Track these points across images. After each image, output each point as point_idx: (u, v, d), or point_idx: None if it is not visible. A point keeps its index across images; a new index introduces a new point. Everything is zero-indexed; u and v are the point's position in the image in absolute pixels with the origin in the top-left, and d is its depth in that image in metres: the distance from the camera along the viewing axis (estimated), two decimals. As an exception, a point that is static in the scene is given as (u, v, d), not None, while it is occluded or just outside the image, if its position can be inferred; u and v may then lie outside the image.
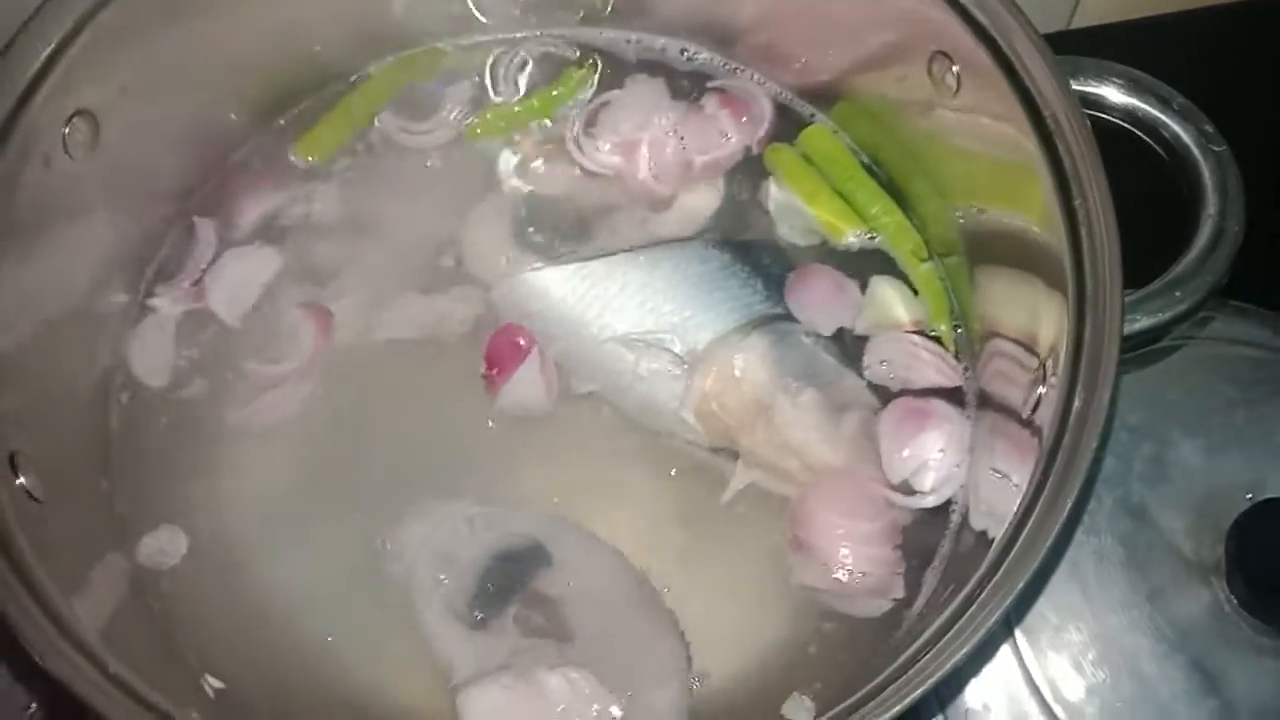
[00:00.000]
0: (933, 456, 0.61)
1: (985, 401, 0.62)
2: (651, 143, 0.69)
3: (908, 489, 0.61)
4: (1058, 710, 0.62)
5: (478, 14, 0.72)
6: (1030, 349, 0.55)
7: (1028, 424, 0.53)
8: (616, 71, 0.72)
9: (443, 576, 0.59)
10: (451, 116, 0.71)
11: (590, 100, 0.71)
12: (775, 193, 0.69)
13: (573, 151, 0.70)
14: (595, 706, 0.56)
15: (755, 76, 0.72)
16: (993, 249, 0.62)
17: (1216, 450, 0.66)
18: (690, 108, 0.70)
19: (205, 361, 0.65)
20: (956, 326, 0.66)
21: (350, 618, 0.59)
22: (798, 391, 0.63)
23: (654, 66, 0.72)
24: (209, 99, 0.67)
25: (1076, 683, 0.62)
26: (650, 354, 0.64)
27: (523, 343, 0.63)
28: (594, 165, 0.70)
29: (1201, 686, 0.61)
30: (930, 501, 0.61)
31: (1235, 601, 0.61)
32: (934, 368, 0.64)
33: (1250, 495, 0.63)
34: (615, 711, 0.56)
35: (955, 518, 0.60)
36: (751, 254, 0.67)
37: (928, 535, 0.60)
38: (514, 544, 0.60)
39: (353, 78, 0.72)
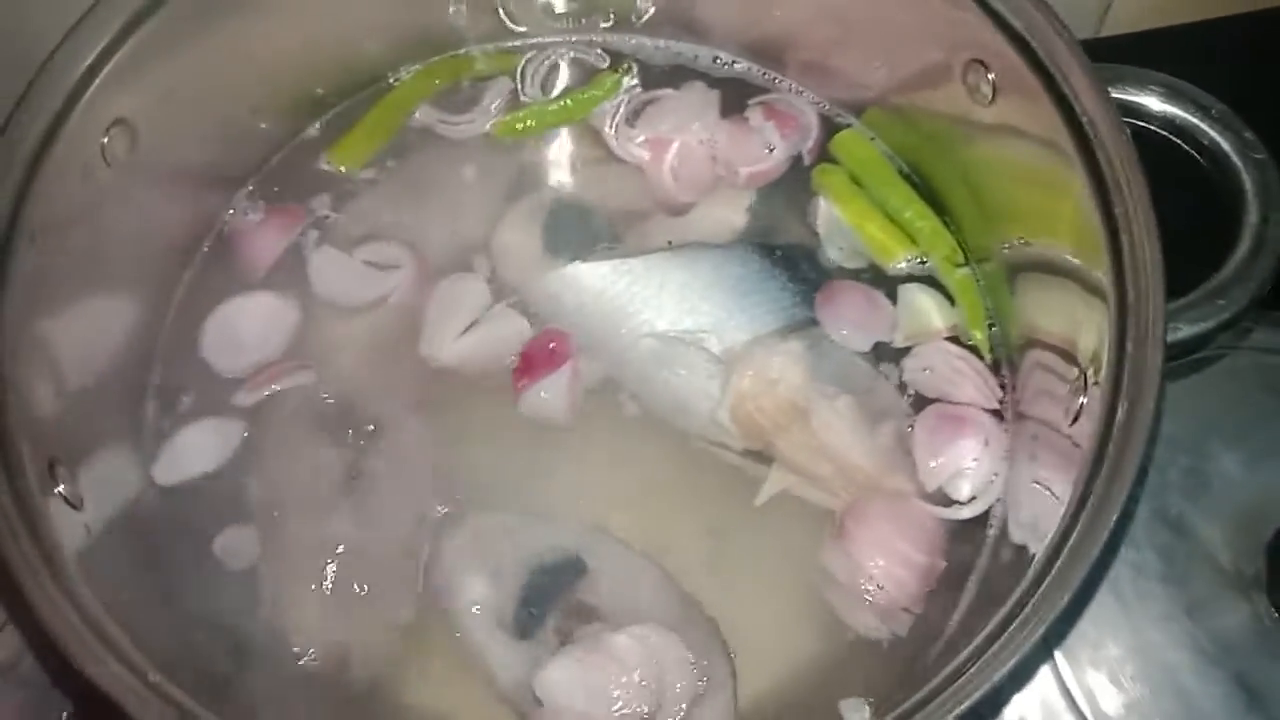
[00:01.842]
0: (967, 465, 0.61)
1: (1024, 415, 0.61)
2: (682, 146, 0.69)
3: (943, 498, 0.61)
4: (1096, 725, 0.61)
5: (509, 22, 0.72)
6: (1070, 358, 0.55)
7: (1069, 435, 0.52)
8: (663, 76, 0.72)
9: (485, 588, 0.59)
10: (492, 107, 0.72)
11: (642, 93, 0.72)
12: (824, 213, 0.69)
13: (607, 135, 0.71)
14: (670, 654, 0.56)
15: (794, 86, 0.72)
16: (1032, 259, 0.61)
17: (1256, 462, 0.65)
18: (735, 120, 0.70)
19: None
20: (991, 325, 0.65)
21: (396, 630, 0.59)
22: (834, 396, 0.63)
23: (695, 74, 0.72)
24: (244, 105, 0.67)
25: (1115, 698, 0.61)
26: (687, 353, 0.64)
27: (555, 347, 0.63)
28: (623, 153, 0.70)
29: (1243, 701, 0.60)
30: (967, 513, 0.60)
31: (1277, 615, 0.61)
32: (974, 385, 0.63)
33: (1291, 508, 0.62)
34: (687, 653, 0.57)
35: (993, 531, 0.60)
36: (790, 260, 0.67)
37: (965, 547, 0.60)
38: (552, 555, 0.60)
39: (383, 84, 0.72)
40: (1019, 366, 0.63)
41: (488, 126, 0.72)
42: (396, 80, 0.72)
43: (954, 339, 0.65)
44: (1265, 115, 0.60)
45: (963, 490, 0.61)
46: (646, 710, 0.55)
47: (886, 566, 0.58)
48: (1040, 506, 0.53)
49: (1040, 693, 0.62)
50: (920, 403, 0.63)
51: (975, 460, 0.61)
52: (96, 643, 0.45)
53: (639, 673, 0.55)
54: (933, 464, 0.61)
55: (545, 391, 0.63)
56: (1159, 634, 0.62)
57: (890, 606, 0.58)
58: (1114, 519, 0.45)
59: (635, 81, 0.72)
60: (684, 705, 0.56)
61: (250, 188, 0.70)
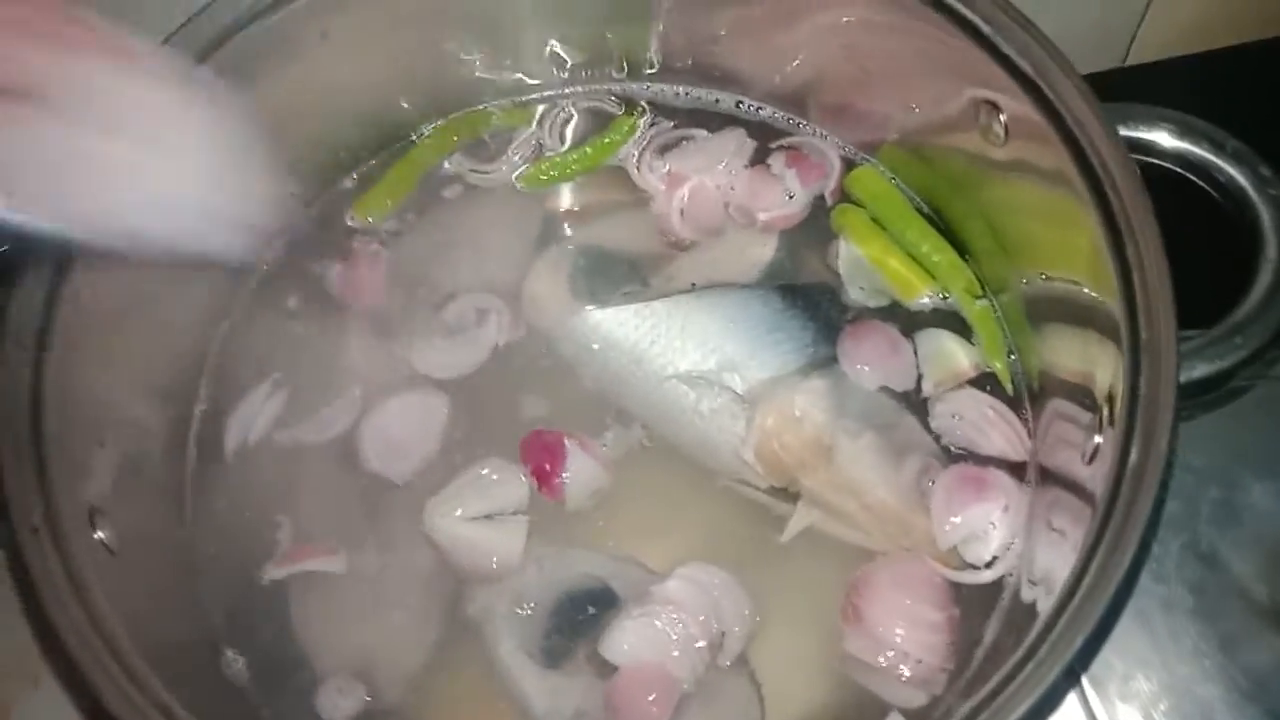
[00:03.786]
0: (985, 528, 0.60)
1: (1047, 474, 0.60)
2: (697, 186, 0.70)
3: (958, 560, 0.60)
4: (1129, 762, 0.61)
5: (524, 77, 0.74)
6: (1088, 395, 0.55)
7: (1084, 485, 0.52)
8: (689, 119, 0.74)
9: (517, 616, 0.60)
10: (516, 158, 0.73)
11: (674, 128, 0.73)
12: (845, 253, 0.69)
13: (630, 162, 0.72)
14: (717, 581, 0.58)
15: (818, 130, 0.73)
16: (1050, 294, 0.61)
17: (1287, 493, 0.65)
18: (758, 168, 0.71)
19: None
20: (1011, 355, 0.65)
21: (429, 659, 0.60)
22: (858, 433, 0.63)
23: (722, 118, 0.73)
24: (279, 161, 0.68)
25: (1149, 733, 0.61)
26: (712, 392, 0.64)
27: (550, 440, 0.63)
28: (640, 180, 0.72)
29: (1279, 738, 0.60)
30: (985, 578, 0.60)
31: (1313, 650, 0.60)
32: (1003, 436, 0.63)
33: (1325, 540, 0.62)
34: (731, 577, 0.59)
35: (1010, 586, 0.59)
36: (812, 299, 0.68)
37: (980, 598, 0.59)
38: (582, 584, 0.61)
39: (406, 141, 0.74)
40: (1041, 407, 0.63)
41: (513, 177, 0.73)
42: (419, 137, 0.74)
43: (982, 386, 0.65)
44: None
45: (979, 553, 0.60)
46: (710, 639, 0.57)
47: (909, 633, 0.58)
48: (1054, 557, 0.52)
49: (1072, 728, 0.62)
50: (949, 453, 0.63)
51: (992, 525, 0.60)
52: (131, 688, 0.47)
53: (696, 609, 0.57)
54: (950, 524, 0.60)
55: (576, 471, 0.63)
56: (1191, 669, 0.62)
57: (927, 673, 0.57)
58: (1127, 561, 0.45)
59: (666, 121, 0.73)
60: (741, 628, 0.58)
61: (283, 243, 0.71)
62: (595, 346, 0.67)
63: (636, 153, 0.72)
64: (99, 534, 0.54)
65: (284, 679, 0.60)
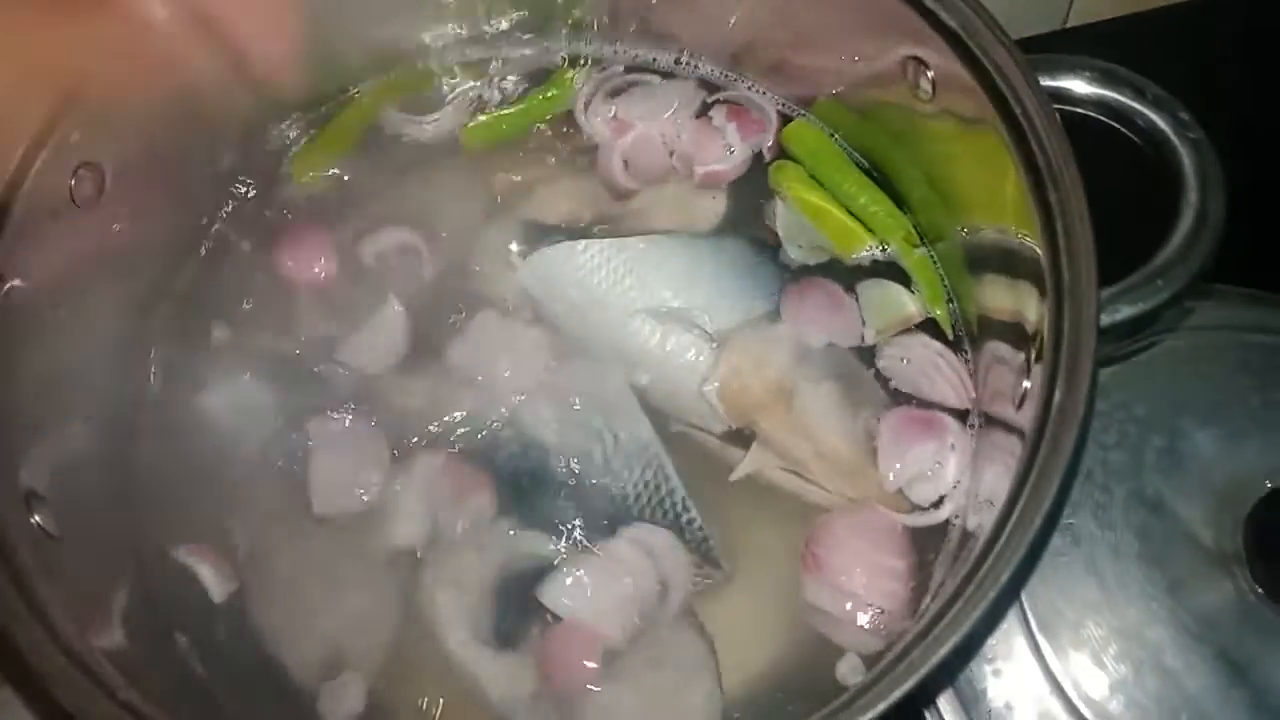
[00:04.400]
0: (931, 467, 0.61)
1: (989, 418, 0.61)
2: (641, 135, 0.70)
3: (906, 502, 0.61)
4: (1082, 708, 0.61)
5: (466, 34, 0.74)
6: (1019, 340, 0.56)
7: (1019, 425, 0.52)
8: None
9: (463, 600, 0.60)
10: (458, 114, 0.73)
11: (625, 74, 0.73)
12: (783, 211, 0.69)
13: (578, 106, 0.72)
14: (660, 542, 0.59)
15: (754, 86, 0.73)
16: (984, 242, 0.62)
17: (1231, 438, 0.65)
18: (702, 120, 0.71)
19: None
20: (950, 302, 0.66)
21: (378, 649, 0.60)
22: (818, 381, 0.64)
23: (659, 75, 0.74)
24: (207, 131, 0.69)
25: (1099, 679, 0.61)
26: (678, 329, 0.64)
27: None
28: (587, 126, 0.72)
29: (1228, 677, 0.60)
30: (935, 518, 0.60)
31: (1260, 590, 0.61)
32: (948, 382, 0.64)
33: (1269, 482, 0.63)
34: (679, 542, 0.60)
35: (957, 526, 0.60)
36: (780, 251, 0.69)
37: (930, 539, 0.60)
38: (526, 561, 0.60)
39: (344, 95, 0.74)
40: (980, 352, 0.64)
41: (455, 129, 0.73)
42: (358, 92, 0.74)
43: (926, 333, 0.65)
44: (1222, 96, 0.61)
45: (926, 494, 0.61)
46: (648, 594, 0.58)
47: (870, 581, 0.58)
48: (997, 497, 0.52)
49: (1025, 677, 0.62)
50: (896, 396, 0.64)
51: (939, 464, 0.61)
52: (67, 664, 0.47)
53: (642, 568, 0.58)
54: (897, 465, 0.61)
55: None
56: (1140, 613, 0.62)
57: (887, 620, 0.58)
58: (1054, 490, 0.46)
59: (605, 72, 0.73)
60: (683, 583, 0.59)
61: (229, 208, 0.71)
62: (560, 280, 0.66)
63: (585, 96, 0.72)
64: (36, 518, 0.53)
65: (242, 672, 0.60)
